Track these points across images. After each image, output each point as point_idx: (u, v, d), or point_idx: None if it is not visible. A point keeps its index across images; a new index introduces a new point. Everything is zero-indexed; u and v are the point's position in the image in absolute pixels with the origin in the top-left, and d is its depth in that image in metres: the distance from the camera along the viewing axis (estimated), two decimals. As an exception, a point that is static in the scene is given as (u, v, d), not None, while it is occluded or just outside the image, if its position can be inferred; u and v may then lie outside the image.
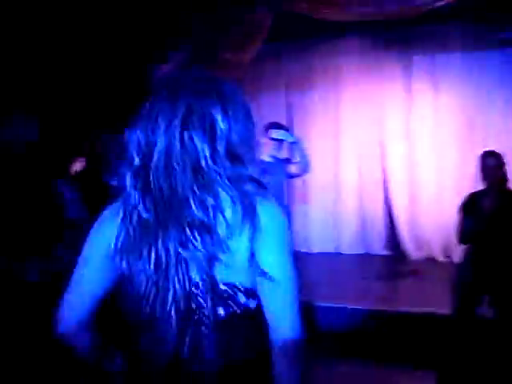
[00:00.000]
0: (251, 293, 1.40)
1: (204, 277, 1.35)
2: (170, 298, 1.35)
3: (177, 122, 1.34)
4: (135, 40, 6.25)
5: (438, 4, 5.78)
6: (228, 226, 1.35)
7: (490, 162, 4.19)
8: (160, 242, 1.36)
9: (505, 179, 4.19)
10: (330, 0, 6.00)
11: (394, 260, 7.73)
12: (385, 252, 8.02)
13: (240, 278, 1.38)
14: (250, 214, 1.35)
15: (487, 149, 4.44)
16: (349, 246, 8.10)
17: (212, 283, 1.36)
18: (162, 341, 1.37)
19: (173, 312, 1.35)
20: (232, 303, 1.38)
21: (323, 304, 5.37)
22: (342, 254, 8.10)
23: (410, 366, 4.49)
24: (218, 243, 1.34)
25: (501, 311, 4.00)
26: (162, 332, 1.36)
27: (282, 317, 1.38)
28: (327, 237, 8.15)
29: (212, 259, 1.35)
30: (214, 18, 6.29)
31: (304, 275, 5.80)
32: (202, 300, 1.36)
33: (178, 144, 1.33)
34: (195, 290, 1.36)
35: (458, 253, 7.34)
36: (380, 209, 8.05)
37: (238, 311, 1.39)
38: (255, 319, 1.40)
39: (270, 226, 1.37)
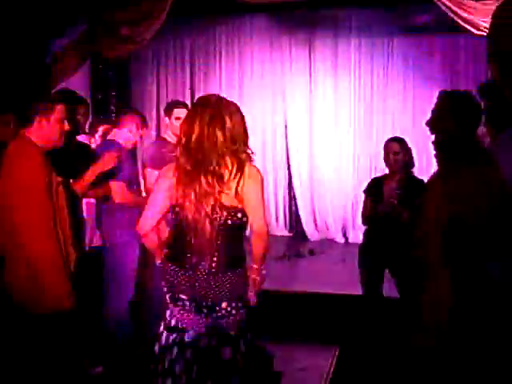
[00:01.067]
0: (243, 211, 2.66)
1: (217, 203, 2.62)
2: (202, 213, 2.61)
3: (205, 122, 2.61)
4: (31, 14, 5.96)
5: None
6: (230, 174, 2.63)
7: (392, 148, 4.28)
8: (195, 183, 2.61)
9: (407, 165, 4.27)
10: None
11: (294, 241, 7.83)
12: (286, 233, 8.11)
13: (236, 203, 2.65)
14: (240, 169, 2.64)
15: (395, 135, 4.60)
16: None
17: (222, 205, 2.63)
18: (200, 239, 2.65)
19: (205, 220, 2.62)
20: (234, 217, 2.65)
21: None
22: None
23: (308, 342, 4.59)
24: (224, 184, 2.62)
25: (403, 291, 4.13)
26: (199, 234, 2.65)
27: (255, 218, 2.70)
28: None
29: (220, 192, 2.61)
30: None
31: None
32: (218, 215, 2.62)
33: (206, 132, 2.60)
34: (214, 209, 2.62)
35: (355, 234, 7.64)
36: (282, 191, 8.13)
37: (237, 221, 2.66)
38: (243, 227, 2.72)
39: (251, 176, 2.66)
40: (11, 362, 3.10)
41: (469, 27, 5.53)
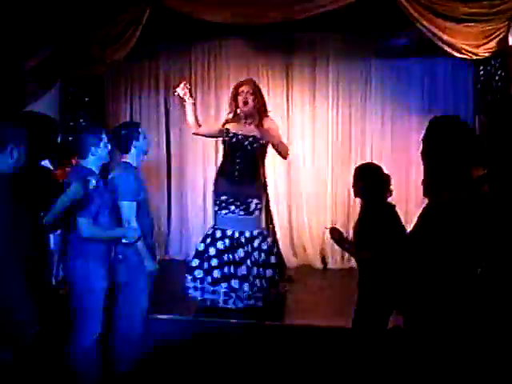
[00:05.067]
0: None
1: None
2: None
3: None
4: (2, 33, 5.81)
5: (318, 11, 5.79)
6: None
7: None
8: None
9: (363, 192, 3.96)
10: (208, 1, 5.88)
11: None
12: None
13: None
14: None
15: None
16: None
17: None
18: None
19: None
20: None
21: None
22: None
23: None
24: None
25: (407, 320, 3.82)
26: None
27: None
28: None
29: None
30: (84, 14, 5.96)
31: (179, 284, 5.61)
32: None
33: None
34: None
35: (333, 260, 7.47)
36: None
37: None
38: None
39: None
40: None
41: (450, 50, 5.48)
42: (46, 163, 4.24)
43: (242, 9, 5.81)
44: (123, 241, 3.97)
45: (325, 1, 5.67)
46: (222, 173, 5.63)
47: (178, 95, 5.57)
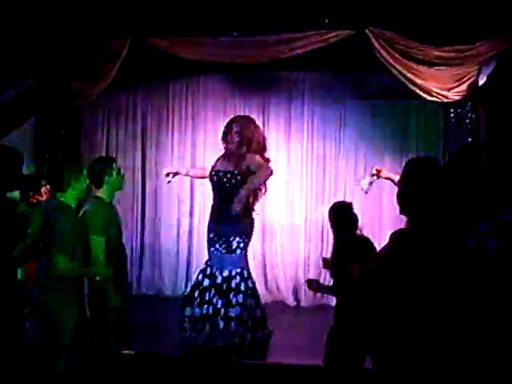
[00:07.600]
0: None
1: None
2: None
3: None
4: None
5: (295, 53, 5.91)
6: None
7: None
8: None
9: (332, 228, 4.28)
10: (186, 39, 5.98)
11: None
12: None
13: None
14: None
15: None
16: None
17: None
18: None
19: None
20: None
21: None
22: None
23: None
24: None
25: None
26: None
27: None
28: (178, 280, 7.86)
29: None
30: (64, 47, 6.00)
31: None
32: None
33: None
34: None
35: (307, 297, 7.46)
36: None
37: None
38: None
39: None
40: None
41: (421, 93, 5.60)
42: (15, 194, 4.23)
43: (219, 49, 5.91)
44: (96, 278, 3.94)
45: (295, 45, 5.81)
46: (211, 210, 5.63)
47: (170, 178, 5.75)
